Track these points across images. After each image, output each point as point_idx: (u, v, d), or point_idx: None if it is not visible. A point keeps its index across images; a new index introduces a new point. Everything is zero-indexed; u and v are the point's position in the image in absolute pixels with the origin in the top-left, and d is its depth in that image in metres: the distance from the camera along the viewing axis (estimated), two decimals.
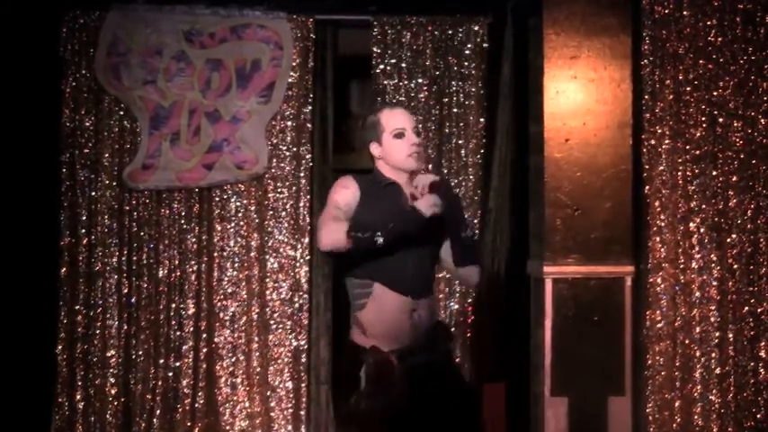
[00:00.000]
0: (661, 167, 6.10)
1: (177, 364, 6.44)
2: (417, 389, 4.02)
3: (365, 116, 4.25)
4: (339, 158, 6.69)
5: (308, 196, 6.51)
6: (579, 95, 5.90)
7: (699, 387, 6.05)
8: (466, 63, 6.51)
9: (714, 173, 6.09)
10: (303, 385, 6.46)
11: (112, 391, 6.41)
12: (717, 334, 6.05)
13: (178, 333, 6.47)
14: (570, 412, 5.77)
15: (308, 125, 6.52)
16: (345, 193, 4.11)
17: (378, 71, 6.51)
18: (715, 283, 6.07)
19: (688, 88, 6.10)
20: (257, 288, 6.48)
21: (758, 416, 6.02)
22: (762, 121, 6.10)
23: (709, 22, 6.10)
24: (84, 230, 6.43)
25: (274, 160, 6.48)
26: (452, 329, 4.47)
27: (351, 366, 4.03)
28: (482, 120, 6.51)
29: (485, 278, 6.43)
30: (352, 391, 3.99)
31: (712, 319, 6.05)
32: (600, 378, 5.80)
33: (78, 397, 6.40)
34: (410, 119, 4.22)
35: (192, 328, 6.46)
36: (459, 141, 6.51)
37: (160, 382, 6.43)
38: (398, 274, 4.12)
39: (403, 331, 4.07)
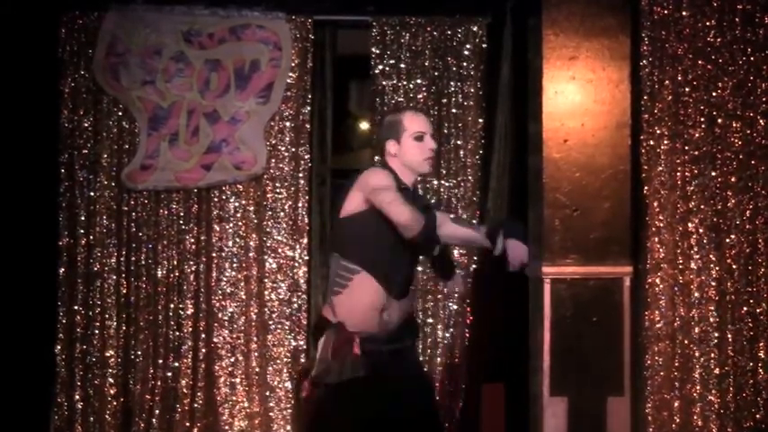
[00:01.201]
0: (660, 168, 6.10)
1: (176, 364, 6.45)
2: (375, 373, 4.18)
3: (383, 114, 4.40)
4: (338, 159, 6.71)
5: (307, 197, 6.52)
6: (578, 96, 5.89)
7: (698, 387, 6.05)
8: (465, 64, 6.52)
9: (713, 173, 6.09)
10: None
11: (111, 391, 6.41)
12: (716, 334, 6.05)
13: (177, 333, 6.47)
14: (569, 412, 5.76)
15: (307, 126, 6.53)
16: (390, 178, 4.24)
17: (376, 72, 6.52)
18: (714, 284, 6.07)
19: (687, 89, 6.10)
20: (256, 288, 6.49)
21: (757, 416, 6.02)
22: (761, 121, 6.09)
23: (708, 23, 6.10)
24: (82, 231, 6.44)
25: (273, 161, 6.49)
26: (417, 327, 4.62)
27: (316, 338, 4.25)
28: (481, 120, 6.52)
29: (485, 278, 6.45)
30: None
31: (711, 320, 6.05)
32: (599, 378, 5.79)
33: (77, 397, 6.41)
34: (430, 125, 4.47)
35: (190, 329, 6.46)
36: (458, 142, 6.52)
37: (159, 383, 6.43)
38: (391, 270, 4.27)
39: (370, 327, 4.22)
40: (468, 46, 6.52)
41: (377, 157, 6.42)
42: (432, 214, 4.37)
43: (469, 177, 6.52)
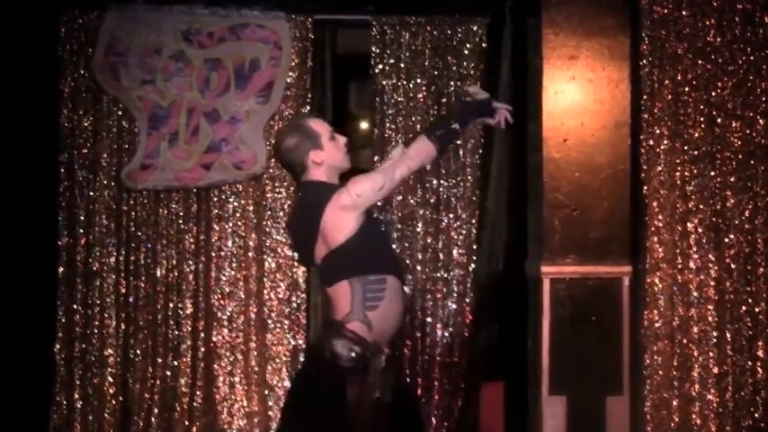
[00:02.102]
0: (659, 168, 6.10)
1: (175, 363, 6.45)
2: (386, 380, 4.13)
3: (287, 133, 4.23)
4: None
5: None
6: (578, 96, 5.90)
7: (697, 386, 6.05)
8: (464, 63, 6.51)
9: (712, 173, 6.10)
10: None
11: (110, 391, 6.41)
12: (715, 334, 6.05)
13: (176, 332, 6.47)
14: (568, 411, 5.78)
15: None
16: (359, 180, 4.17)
17: (376, 71, 6.52)
18: (713, 283, 6.07)
19: (686, 88, 6.11)
20: (255, 288, 6.49)
21: (756, 415, 6.02)
22: (760, 121, 6.10)
23: (707, 23, 6.10)
24: (82, 230, 6.44)
25: (272, 160, 6.48)
26: None
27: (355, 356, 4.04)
28: None
29: (485, 278, 6.46)
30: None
31: (710, 319, 6.06)
32: (598, 377, 5.81)
33: (76, 396, 6.40)
34: None
35: (189, 328, 6.46)
36: (458, 141, 6.50)
37: (158, 382, 6.43)
38: (397, 262, 4.28)
39: (396, 326, 4.16)
40: (467, 45, 6.52)
41: (376, 157, 6.47)
42: (440, 129, 4.28)
43: (469, 177, 6.51)
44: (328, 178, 4.17)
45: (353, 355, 3.98)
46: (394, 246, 6.43)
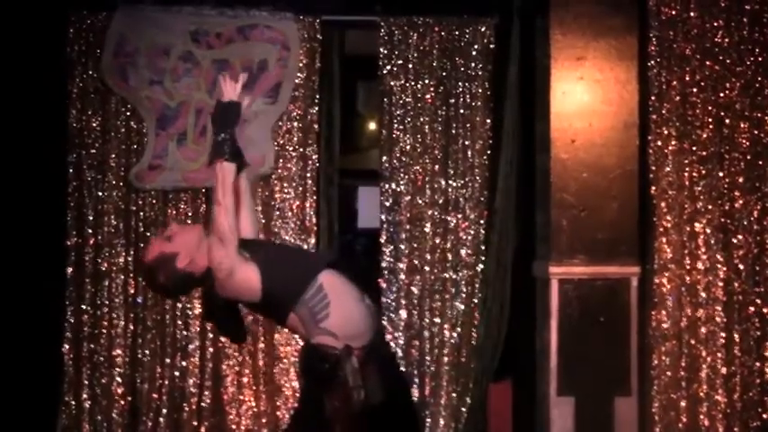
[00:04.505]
0: (667, 168, 6.10)
1: (183, 363, 6.46)
2: (387, 376, 4.11)
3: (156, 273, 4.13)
4: (346, 159, 6.70)
5: (315, 197, 6.52)
6: (586, 96, 5.91)
7: (705, 387, 6.05)
8: (472, 64, 6.52)
9: (720, 174, 6.10)
10: None
11: (119, 391, 6.42)
12: (723, 334, 6.05)
13: (184, 333, 6.48)
14: (576, 412, 5.78)
15: (315, 126, 6.53)
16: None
17: (384, 72, 6.52)
18: (721, 284, 6.07)
19: (694, 89, 6.11)
20: None
21: (764, 416, 6.02)
22: None
23: (715, 24, 6.10)
24: (90, 230, 6.45)
25: (281, 161, 6.49)
26: None
27: (328, 369, 4.00)
28: (488, 120, 6.52)
29: (493, 279, 6.46)
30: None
31: (718, 320, 6.06)
32: (606, 378, 5.81)
33: (85, 396, 6.41)
34: None
35: (198, 328, 6.47)
36: (466, 142, 6.52)
37: (166, 382, 6.44)
38: (312, 256, 4.30)
39: (365, 322, 4.06)
40: (475, 46, 6.52)
41: (384, 158, 6.47)
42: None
43: (477, 177, 6.51)
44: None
45: (327, 366, 3.95)
46: (403, 246, 6.45)
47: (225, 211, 3.92)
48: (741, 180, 6.10)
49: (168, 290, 4.15)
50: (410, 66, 6.53)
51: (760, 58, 6.11)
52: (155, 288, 4.23)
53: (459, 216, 6.51)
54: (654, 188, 6.08)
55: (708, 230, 6.09)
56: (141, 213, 6.49)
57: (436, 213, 6.50)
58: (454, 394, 6.46)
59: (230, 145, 3.99)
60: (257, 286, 3.96)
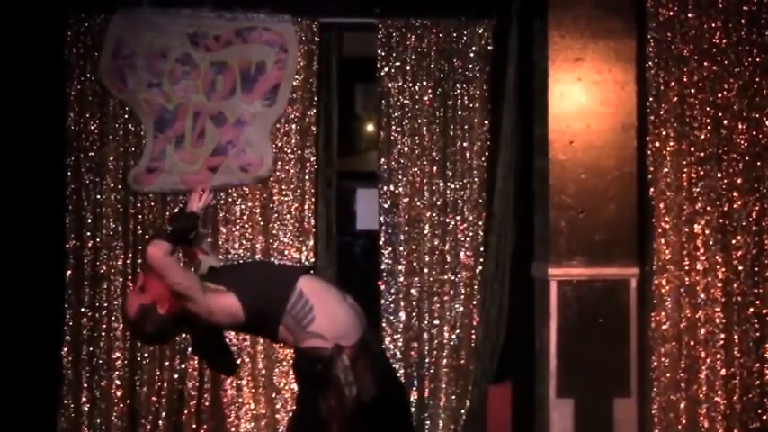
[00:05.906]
0: (666, 169, 6.10)
1: (182, 365, 6.45)
2: (379, 372, 4.19)
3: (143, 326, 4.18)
4: (344, 161, 6.70)
5: (313, 199, 6.52)
6: (584, 98, 5.92)
7: (704, 388, 6.05)
8: (470, 66, 6.52)
9: (719, 175, 6.10)
10: None
11: (118, 393, 6.42)
12: (722, 335, 6.05)
13: (183, 335, 6.46)
14: (576, 414, 5.79)
15: (313, 128, 6.53)
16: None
17: (382, 74, 6.53)
18: (720, 285, 6.07)
19: (692, 90, 6.11)
20: None
21: (764, 417, 6.02)
22: (766, 122, 6.10)
23: (713, 25, 6.10)
24: (89, 233, 6.45)
25: (279, 163, 6.49)
26: None
27: (321, 369, 4.08)
28: (486, 122, 6.52)
29: (492, 280, 6.46)
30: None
31: (717, 321, 6.05)
32: (605, 380, 5.82)
33: (84, 399, 6.41)
34: None
35: None
36: (464, 144, 6.52)
37: (165, 384, 6.44)
38: (284, 267, 4.40)
39: (352, 322, 4.16)
40: (473, 48, 6.53)
41: (382, 159, 6.47)
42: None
43: (475, 179, 6.51)
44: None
45: (320, 367, 4.03)
46: (402, 248, 6.45)
47: (177, 281, 4.08)
48: (739, 181, 6.09)
49: (159, 337, 4.26)
50: (408, 68, 6.53)
51: (758, 59, 6.11)
52: (146, 340, 4.40)
53: (458, 218, 6.51)
54: (652, 189, 6.08)
55: (706, 231, 6.09)
56: (140, 216, 6.49)
57: (435, 215, 6.51)
58: (453, 396, 6.46)
59: (172, 237, 4.22)
60: (240, 311, 4.08)
